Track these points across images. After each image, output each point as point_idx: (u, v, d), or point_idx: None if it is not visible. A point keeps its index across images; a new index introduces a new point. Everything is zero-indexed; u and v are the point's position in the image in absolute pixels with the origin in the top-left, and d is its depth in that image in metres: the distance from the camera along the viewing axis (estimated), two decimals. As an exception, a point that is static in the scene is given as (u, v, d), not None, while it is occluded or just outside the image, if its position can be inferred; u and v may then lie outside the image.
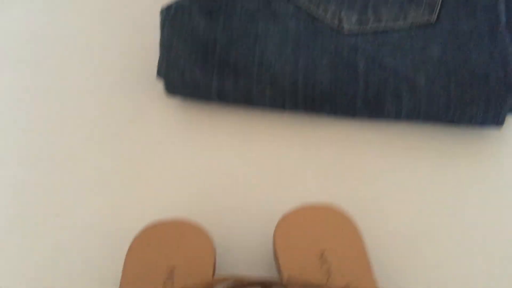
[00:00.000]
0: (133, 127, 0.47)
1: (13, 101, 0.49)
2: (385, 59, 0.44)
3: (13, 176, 0.45)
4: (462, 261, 0.40)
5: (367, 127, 0.47)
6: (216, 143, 0.46)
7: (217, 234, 0.41)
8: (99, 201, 0.44)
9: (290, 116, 0.47)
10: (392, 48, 0.44)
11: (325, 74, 0.44)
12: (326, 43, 0.45)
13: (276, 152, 0.46)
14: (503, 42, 0.43)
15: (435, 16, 0.45)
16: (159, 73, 0.46)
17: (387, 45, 0.45)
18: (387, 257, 0.40)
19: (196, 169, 0.45)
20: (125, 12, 0.53)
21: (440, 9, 0.46)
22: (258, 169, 0.45)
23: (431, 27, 0.45)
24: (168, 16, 0.45)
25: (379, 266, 0.39)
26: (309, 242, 0.37)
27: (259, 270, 0.40)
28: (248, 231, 0.41)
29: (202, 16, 0.45)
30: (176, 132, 0.47)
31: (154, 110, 0.48)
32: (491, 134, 0.45)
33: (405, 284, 0.38)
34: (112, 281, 0.39)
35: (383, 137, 0.46)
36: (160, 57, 0.46)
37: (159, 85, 0.49)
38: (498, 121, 0.43)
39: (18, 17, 0.53)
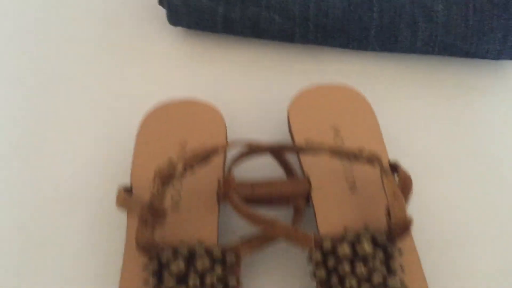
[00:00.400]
0: (134, 58, 0.45)
1: (19, 20, 0.47)
2: (401, -15, 0.42)
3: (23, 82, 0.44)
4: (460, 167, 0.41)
5: (379, 61, 0.45)
6: (220, 75, 0.44)
7: (229, 115, 0.41)
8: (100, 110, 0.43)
9: (299, 50, 0.45)
10: None
11: (338, 0, 0.42)
12: None
13: (283, 83, 0.44)
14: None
15: None
16: (162, 0, 0.44)
17: None
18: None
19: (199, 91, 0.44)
20: None
21: None
22: (264, 95, 0.43)
23: None
24: None
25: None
26: (323, 116, 0.38)
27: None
28: (260, 113, 0.42)
29: None
30: (179, 63, 0.45)
31: (155, 41, 0.45)
32: (507, 67, 0.45)
33: (415, 158, 0.40)
34: (125, 158, 0.39)
35: (395, 70, 0.45)
36: (162, -18, 0.43)
37: (162, 14, 0.46)
38: None
39: None
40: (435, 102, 0.43)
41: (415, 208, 0.37)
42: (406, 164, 0.38)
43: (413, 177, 0.35)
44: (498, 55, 0.43)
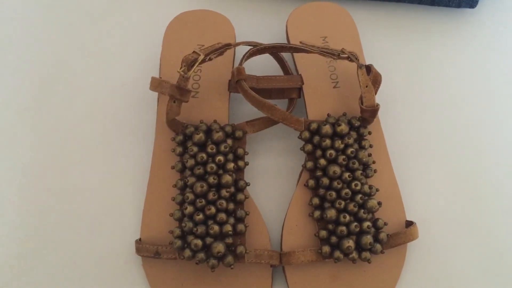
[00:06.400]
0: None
1: None
2: None
3: None
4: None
5: (357, 7, 0.52)
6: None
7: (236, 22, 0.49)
8: None
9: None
10: None
11: None
12: None
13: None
14: None
15: None
16: None
17: None
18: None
19: None
20: None
21: None
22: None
23: None
24: None
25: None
26: (314, 27, 0.46)
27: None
28: (263, 22, 0.50)
29: None
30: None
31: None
32: (466, 13, 0.53)
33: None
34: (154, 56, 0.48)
35: (373, 15, 0.52)
36: None
37: None
38: (472, 3, 0.50)
39: None
40: (404, 41, 0.51)
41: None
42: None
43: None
44: (458, 5, 0.51)
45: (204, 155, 0.40)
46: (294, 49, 0.43)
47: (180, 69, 0.38)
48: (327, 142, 0.40)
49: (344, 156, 0.40)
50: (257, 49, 0.43)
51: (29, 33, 0.51)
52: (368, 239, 0.38)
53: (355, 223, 0.38)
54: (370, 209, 0.39)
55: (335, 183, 0.39)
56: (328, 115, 0.42)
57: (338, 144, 0.40)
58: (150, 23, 0.51)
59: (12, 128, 0.46)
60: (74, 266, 0.41)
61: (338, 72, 0.45)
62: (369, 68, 0.43)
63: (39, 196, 0.43)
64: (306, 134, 0.41)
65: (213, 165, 0.39)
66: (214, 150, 0.40)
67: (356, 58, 0.41)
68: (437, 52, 0.51)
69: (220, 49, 0.40)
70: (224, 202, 0.38)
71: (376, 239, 0.39)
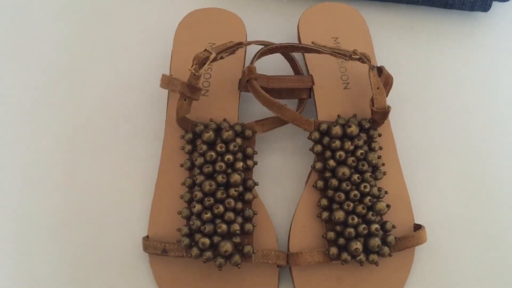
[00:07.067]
0: None
1: None
2: None
3: None
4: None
5: (369, 9, 0.52)
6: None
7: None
8: None
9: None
10: None
11: None
12: None
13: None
14: None
15: None
16: None
17: None
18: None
19: None
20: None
21: None
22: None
23: None
24: None
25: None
26: (326, 27, 0.46)
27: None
28: (274, 22, 0.50)
29: None
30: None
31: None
32: (479, 17, 0.53)
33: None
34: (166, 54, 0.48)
35: (385, 17, 0.52)
36: None
37: None
38: (485, 7, 0.50)
39: None
40: (416, 43, 0.51)
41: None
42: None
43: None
44: (471, 8, 0.51)
45: (213, 153, 0.39)
46: (305, 49, 0.43)
47: (192, 67, 0.38)
48: (337, 143, 0.40)
49: (353, 158, 0.40)
50: (268, 49, 0.43)
51: (39, 30, 0.51)
52: (376, 241, 0.38)
53: (363, 225, 0.38)
54: (379, 212, 0.39)
55: (344, 185, 0.39)
56: (338, 116, 0.42)
57: (348, 145, 0.40)
58: (161, 21, 0.51)
59: (21, 125, 0.46)
60: (82, 262, 0.41)
61: (349, 73, 0.45)
62: (380, 70, 0.42)
63: (47, 193, 0.43)
64: (316, 135, 0.41)
65: (222, 163, 0.39)
66: (223, 148, 0.40)
67: (368, 60, 0.41)
68: (449, 55, 0.51)
69: (232, 48, 0.40)
70: (232, 201, 0.38)
71: (384, 242, 0.38)
